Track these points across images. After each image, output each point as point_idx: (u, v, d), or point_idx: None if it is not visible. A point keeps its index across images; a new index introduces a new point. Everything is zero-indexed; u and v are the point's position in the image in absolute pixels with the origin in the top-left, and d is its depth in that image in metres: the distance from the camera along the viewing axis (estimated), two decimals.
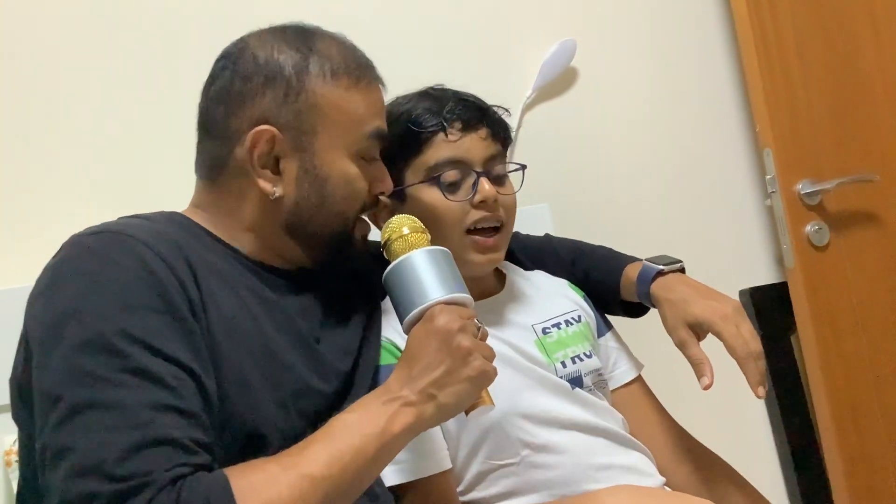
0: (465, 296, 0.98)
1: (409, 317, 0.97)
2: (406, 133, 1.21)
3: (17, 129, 1.44)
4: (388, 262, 1.01)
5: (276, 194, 1.04)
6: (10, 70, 1.44)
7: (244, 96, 1.04)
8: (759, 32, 1.80)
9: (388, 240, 1.02)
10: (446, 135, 1.20)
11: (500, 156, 1.25)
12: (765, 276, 2.02)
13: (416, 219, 1.05)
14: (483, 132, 1.23)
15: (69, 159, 1.46)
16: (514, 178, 1.31)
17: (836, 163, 1.85)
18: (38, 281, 0.92)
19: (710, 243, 1.98)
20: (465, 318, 0.95)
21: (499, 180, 1.24)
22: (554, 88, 1.87)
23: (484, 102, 1.28)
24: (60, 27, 1.48)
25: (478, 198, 1.19)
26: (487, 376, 0.95)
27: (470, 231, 1.20)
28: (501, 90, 1.78)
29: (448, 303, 0.96)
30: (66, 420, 0.80)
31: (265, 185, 1.04)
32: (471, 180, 1.20)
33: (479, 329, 0.97)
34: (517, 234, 1.45)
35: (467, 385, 0.92)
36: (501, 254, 1.24)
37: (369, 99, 1.09)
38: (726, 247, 2.01)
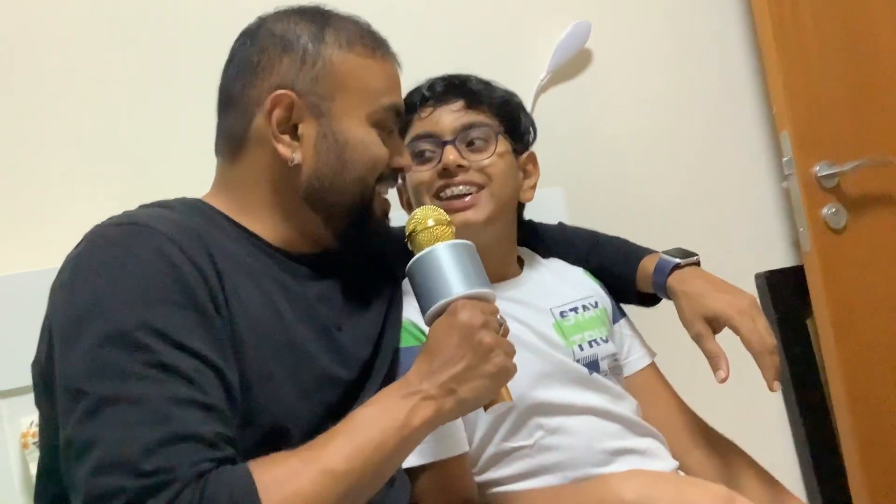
0: (489, 291, 0.98)
1: (431, 310, 0.97)
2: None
3: (27, 116, 1.44)
4: (412, 252, 1.02)
5: (296, 160, 1.04)
6: (21, 57, 1.44)
7: (262, 66, 1.05)
8: (777, 13, 1.79)
9: (413, 231, 1.02)
10: (419, 114, 1.27)
11: (481, 124, 1.26)
12: (781, 259, 2.01)
13: (442, 210, 1.06)
14: (456, 104, 1.26)
15: (83, 145, 1.46)
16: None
17: (854, 145, 1.83)
18: (61, 272, 0.92)
19: (725, 226, 1.97)
20: (487, 314, 0.95)
21: (476, 146, 1.25)
22: (568, 71, 1.86)
23: (466, 76, 1.30)
24: (69, 15, 1.48)
25: (440, 166, 1.23)
26: (508, 373, 0.95)
27: (441, 199, 1.23)
28: (515, 72, 1.80)
29: (471, 297, 0.96)
30: (91, 415, 0.80)
31: (284, 150, 1.03)
32: (439, 151, 1.24)
33: (500, 325, 0.97)
34: (532, 222, 1.45)
35: (487, 381, 0.92)
36: (478, 213, 1.23)
37: (385, 71, 1.10)
38: (742, 230, 1.99)
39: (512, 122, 1.32)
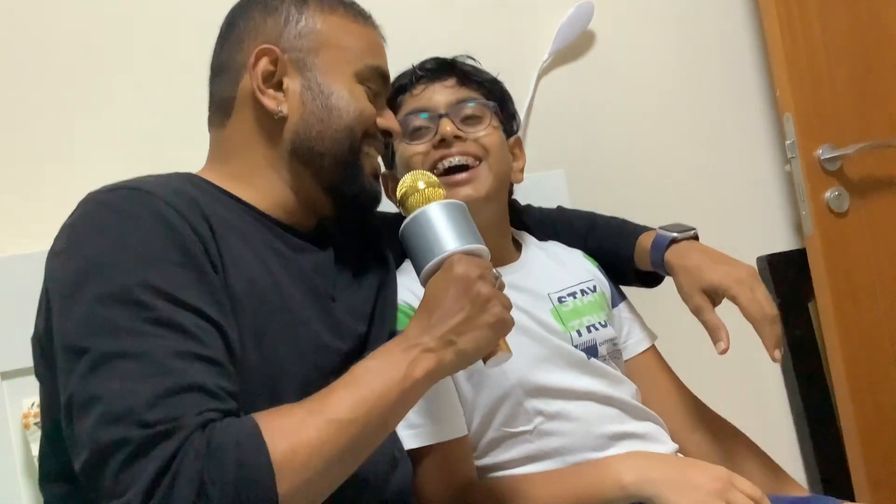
0: (482, 247, 0.98)
1: (427, 266, 0.97)
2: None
3: (28, 95, 1.43)
4: (404, 217, 1.02)
5: (282, 112, 1.05)
6: (29, 44, 1.44)
7: (247, 30, 1.09)
8: None
9: (405, 195, 1.03)
10: (411, 92, 1.28)
11: (474, 100, 1.27)
12: (783, 242, 2.00)
13: (432, 174, 1.06)
14: (449, 81, 1.28)
15: (85, 124, 1.46)
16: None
17: (857, 128, 1.82)
18: (58, 238, 0.93)
19: (728, 209, 1.96)
20: (483, 268, 0.95)
21: (471, 121, 1.26)
22: (570, 52, 1.85)
23: (454, 57, 1.32)
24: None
25: (437, 137, 1.22)
26: (506, 324, 0.95)
27: (439, 171, 1.22)
28: (517, 54, 1.79)
29: (466, 253, 0.96)
30: (94, 370, 0.80)
31: (269, 102, 1.05)
32: (435, 125, 1.24)
33: (497, 279, 0.98)
34: (530, 206, 1.45)
35: (486, 331, 0.92)
36: (479, 187, 1.23)
37: (368, 34, 1.13)
38: (744, 213, 1.99)
39: (502, 101, 1.33)
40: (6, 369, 1.28)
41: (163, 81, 1.50)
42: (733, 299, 1.18)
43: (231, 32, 1.11)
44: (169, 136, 1.48)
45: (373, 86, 1.12)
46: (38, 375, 0.96)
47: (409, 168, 1.22)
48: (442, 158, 1.23)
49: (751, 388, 1.91)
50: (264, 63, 1.05)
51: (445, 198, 1.02)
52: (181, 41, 1.51)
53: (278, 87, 1.06)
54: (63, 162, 1.44)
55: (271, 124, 1.06)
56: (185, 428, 0.77)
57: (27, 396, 1.27)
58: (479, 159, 1.24)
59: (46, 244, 0.94)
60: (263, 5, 1.09)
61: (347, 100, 1.08)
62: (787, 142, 1.80)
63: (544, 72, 1.82)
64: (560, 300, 1.26)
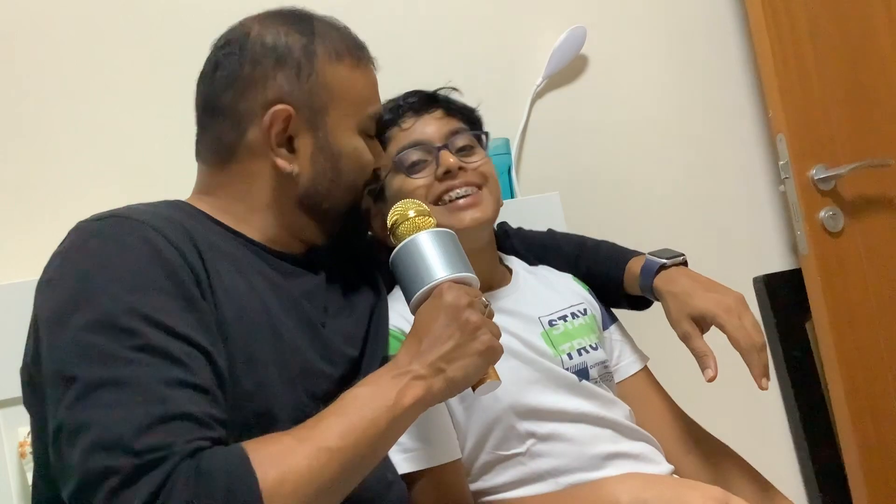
0: (472, 275, 0.99)
1: (417, 294, 0.98)
2: None
3: (20, 126, 1.44)
4: (394, 245, 1.03)
5: (294, 172, 1.07)
6: (14, 66, 1.45)
7: (255, 79, 1.06)
8: (772, 16, 1.79)
9: (395, 223, 1.04)
10: (400, 126, 1.27)
11: (464, 130, 1.29)
12: (779, 263, 2.01)
13: (422, 202, 1.07)
14: (437, 113, 1.28)
15: (83, 153, 1.47)
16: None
17: (851, 147, 1.83)
18: (47, 267, 0.93)
19: (723, 230, 1.97)
20: (472, 296, 0.96)
21: (465, 151, 1.28)
22: (564, 76, 1.86)
23: (432, 90, 1.32)
24: (64, 21, 1.48)
25: (441, 169, 1.23)
26: (495, 352, 0.95)
27: (444, 203, 1.23)
28: (511, 78, 1.81)
29: (455, 281, 0.97)
30: (82, 398, 0.80)
31: (283, 163, 1.06)
32: (433, 157, 1.24)
33: (486, 307, 0.98)
34: (521, 230, 1.46)
35: (476, 359, 0.93)
36: (485, 210, 1.24)
37: (369, 79, 1.14)
38: (740, 234, 1.99)
39: (481, 129, 1.35)
40: (2, 398, 1.27)
41: (164, 113, 1.50)
42: (721, 327, 1.18)
43: (234, 74, 1.07)
44: (171, 166, 1.48)
45: (371, 132, 1.14)
46: (26, 405, 0.96)
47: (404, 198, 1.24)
48: (448, 191, 1.23)
49: (750, 408, 1.90)
50: (279, 124, 1.05)
51: (451, 224, 1.02)
52: (176, 67, 1.50)
53: (289, 143, 1.07)
54: (53, 191, 1.44)
55: (280, 179, 1.07)
56: (174, 456, 0.76)
57: (23, 425, 1.26)
58: (479, 187, 1.25)
59: (39, 273, 0.94)
60: (271, 50, 1.07)
61: (354, 159, 1.10)
62: (781, 162, 1.81)
63: (538, 95, 1.83)
64: (551, 323, 1.26)
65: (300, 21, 1.11)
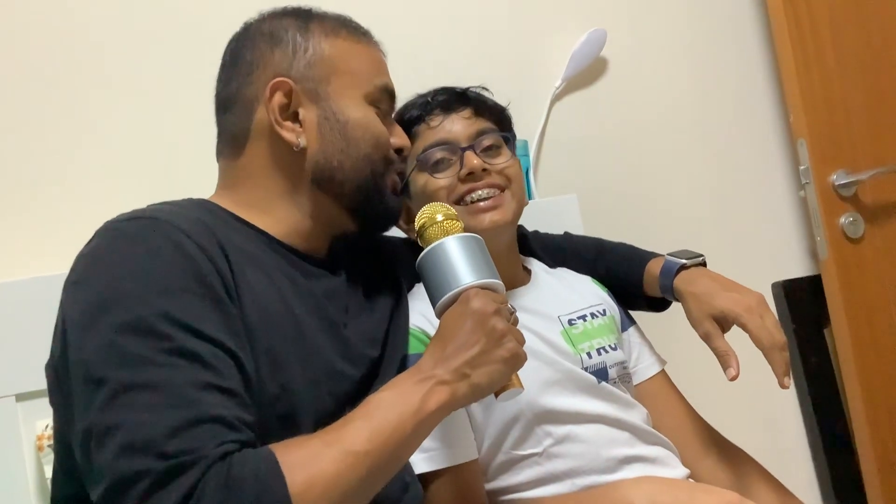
0: (498, 282, 0.99)
1: (443, 299, 0.98)
2: None
3: (43, 120, 1.45)
4: (420, 250, 1.02)
5: (302, 144, 1.06)
6: (36, 65, 1.45)
7: (254, 63, 1.09)
8: (794, 20, 1.78)
9: (423, 226, 1.04)
10: (428, 123, 1.27)
11: (491, 130, 1.29)
12: (798, 268, 2.00)
13: (450, 207, 1.07)
14: (465, 112, 1.28)
15: (102, 148, 1.48)
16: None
17: (872, 153, 1.82)
18: (74, 267, 0.93)
19: (742, 235, 1.96)
20: (498, 303, 0.96)
21: (491, 151, 1.28)
22: (583, 79, 1.86)
23: (462, 87, 1.32)
24: (86, 20, 1.49)
25: (464, 170, 1.23)
26: (520, 359, 0.96)
27: (466, 203, 1.23)
28: (531, 80, 1.80)
29: (482, 287, 0.97)
30: (112, 400, 0.80)
31: (289, 135, 1.06)
32: (458, 157, 1.25)
33: (511, 314, 0.98)
34: (537, 233, 1.46)
35: (500, 366, 0.93)
36: (505, 213, 1.24)
37: (372, 55, 1.14)
38: (759, 239, 1.98)
39: (510, 130, 1.35)
40: (20, 391, 1.28)
41: (181, 108, 1.51)
42: (743, 327, 1.18)
43: (237, 64, 1.11)
44: (189, 161, 1.48)
45: (382, 105, 1.13)
46: (52, 402, 0.96)
47: (430, 200, 1.22)
48: (470, 192, 1.23)
49: (767, 414, 1.89)
50: (279, 96, 1.06)
51: (471, 225, 1.02)
52: (188, 66, 1.52)
53: (294, 118, 1.07)
54: (83, 184, 1.45)
55: (290, 156, 1.07)
56: (205, 459, 0.77)
57: (41, 418, 1.27)
58: (502, 189, 1.25)
59: (62, 268, 0.94)
60: (268, 35, 1.10)
61: (364, 128, 1.09)
62: (801, 167, 1.80)
63: (557, 98, 1.83)
64: (570, 322, 1.26)
65: (299, 10, 1.13)
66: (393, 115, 1.20)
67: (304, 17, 1.11)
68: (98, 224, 0.96)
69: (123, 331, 0.83)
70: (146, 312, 0.84)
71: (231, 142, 1.10)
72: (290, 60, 1.08)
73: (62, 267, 0.95)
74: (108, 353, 0.83)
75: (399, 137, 1.16)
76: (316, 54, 1.09)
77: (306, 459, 0.80)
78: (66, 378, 0.88)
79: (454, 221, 1.04)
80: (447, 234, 1.01)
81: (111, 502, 0.78)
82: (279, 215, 1.08)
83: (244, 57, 1.10)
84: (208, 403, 0.81)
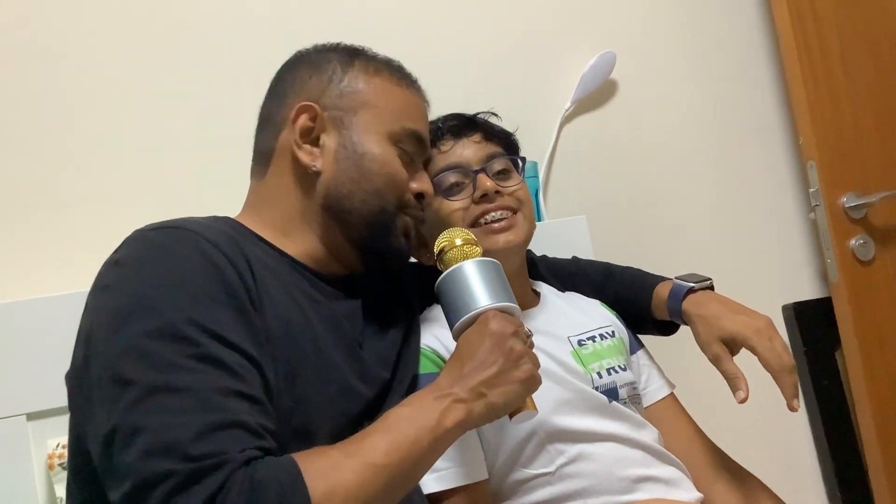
0: (515, 306, 1.01)
1: (461, 321, 0.99)
2: None
3: (61, 139, 1.46)
4: (439, 273, 1.05)
5: (315, 167, 1.09)
6: (54, 84, 1.47)
7: (292, 86, 1.13)
8: (803, 43, 1.79)
9: (442, 250, 1.06)
10: (439, 148, 1.28)
11: (501, 154, 1.30)
12: (808, 291, 1.99)
13: (469, 231, 1.09)
14: (476, 136, 1.30)
15: (120, 168, 1.49)
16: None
17: (882, 175, 1.82)
18: (103, 274, 0.94)
19: (752, 257, 1.96)
20: (516, 325, 0.98)
21: (502, 175, 1.29)
22: (593, 101, 1.87)
23: (473, 114, 1.34)
24: (103, 36, 1.51)
25: (478, 193, 1.25)
26: (536, 381, 0.97)
27: (480, 226, 1.24)
28: (540, 102, 1.81)
29: (500, 310, 0.99)
30: (139, 402, 0.81)
31: (305, 157, 1.09)
32: (471, 180, 1.26)
33: (528, 337, 1.00)
34: (545, 257, 1.47)
35: (517, 387, 0.95)
36: (518, 234, 1.26)
37: (408, 98, 1.16)
38: (769, 261, 1.98)
39: (518, 154, 1.36)
40: (31, 410, 1.29)
41: (199, 128, 1.52)
42: (752, 349, 1.19)
43: (277, 86, 1.15)
44: (207, 180, 1.50)
45: (407, 148, 1.14)
46: (72, 407, 0.96)
47: (445, 223, 1.24)
48: (484, 214, 1.25)
49: (778, 438, 1.88)
50: (304, 119, 1.09)
51: (486, 246, 1.04)
52: (207, 86, 1.53)
53: (315, 142, 1.10)
54: (101, 204, 1.46)
55: (306, 178, 1.09)
56: (230, 464, 0.78)
57: (52, 437, 1.28)
58: (514, 211, 1.27)
59: (76, 287, 0.95)
60: (311, 63, 1.14)
61: (381, 164, 1.10)
62: (811, 189, 1.80)
63: (567, 119, 1.84)
64: (580, 343, 1.27)
65: (348, 46, 1.17)
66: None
67: (351, 54, 1.15)
68: (110, 243, 0.97)
69: (151, 335, 0.84)
70: (174, 318, 0.85)
71: (259, 160, 1.14)
72: (324, 88, 1.11)
73: (72, 286, 0.96)
74: (136, 356, 0.84)
75: (421, 183, 1.16)
76: (350, 86, 1.12)
77: (327, 469, 0.81)
78: (88, 381, 0.88)
79: (473, 246, 1.06)
80: (466, 257, 1.04)
81: (134, 502, 0.78)
82: (296, 238, 1.10)
83: (285, 80, 1.15)
84: (233, 409, 0.82)
